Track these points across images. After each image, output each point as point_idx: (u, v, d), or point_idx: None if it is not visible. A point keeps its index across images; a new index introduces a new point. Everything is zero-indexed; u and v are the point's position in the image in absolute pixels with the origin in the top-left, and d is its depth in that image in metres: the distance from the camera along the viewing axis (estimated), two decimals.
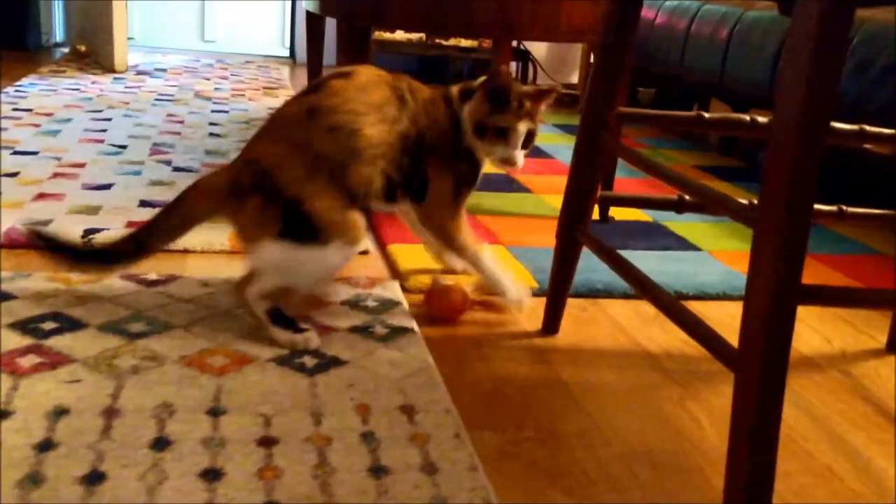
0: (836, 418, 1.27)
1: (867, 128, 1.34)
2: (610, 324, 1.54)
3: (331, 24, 2.59)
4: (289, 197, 1.27)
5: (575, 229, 1.40)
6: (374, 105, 1.34)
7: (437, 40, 4.15)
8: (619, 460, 1.10)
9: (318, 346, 1.31)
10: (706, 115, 1.31)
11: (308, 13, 2.64)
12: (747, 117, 1.30)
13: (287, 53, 5.14)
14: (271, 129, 1.36)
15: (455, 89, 1.48)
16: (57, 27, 4.76)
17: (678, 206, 1.41)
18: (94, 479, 0.93)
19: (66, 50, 4.57)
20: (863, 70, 2.18)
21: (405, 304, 1.50)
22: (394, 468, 1.01)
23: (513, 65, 4.33)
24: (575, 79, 4.76)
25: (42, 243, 1.33)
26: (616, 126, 1.36)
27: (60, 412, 1.06)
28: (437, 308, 1.48)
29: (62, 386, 1.12)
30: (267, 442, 1.04)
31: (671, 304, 1.13)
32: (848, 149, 2.61)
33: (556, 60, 4.80)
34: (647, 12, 3.24)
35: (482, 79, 1.46)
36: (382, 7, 1.78)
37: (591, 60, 4.12)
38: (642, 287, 1.21)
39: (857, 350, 1.52)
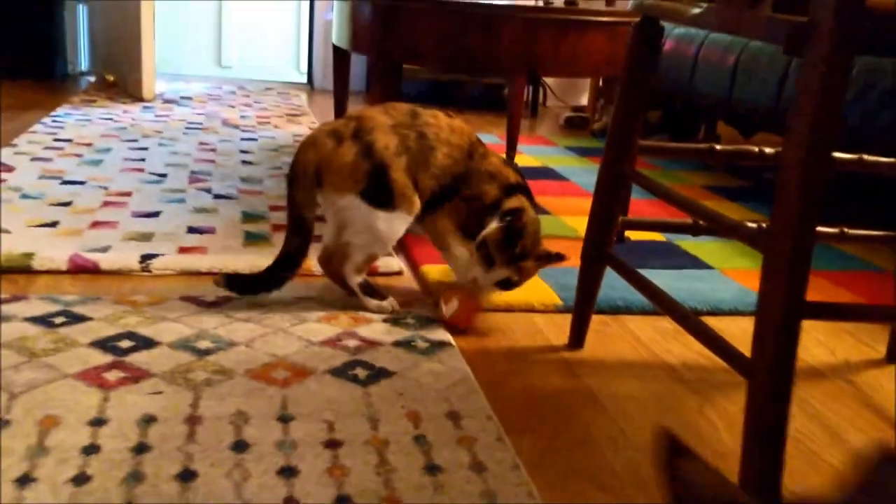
0: (841, 422, 1.39)
1: (866, 157, 1.48)
2: (631, 338, 1.67)
3: (356, 57, 2.73)
4: (379, 161, 1.58)
5: (599, 251, 1.53)
6: (453, 144, 1.66)
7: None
8: (646, 462, 1.23)
9: (399, 310, 1.66)
10: (718, 147, 1.45)
11: (335, 47, 2.78)
12: (756, 148, 1.43)
13: (303, 78, 5.29)
14: (378, 108, 1.65)
15: (513, 176, 1.72)
16: (82, 57, 4.93)
17: (694, 230, 1.54)
18: (187, 476, 1.07)
19: (91, 79, 4.73)
20: (863, 97, 2.31)
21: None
22: (446, 467, 1.14)
23: (526, 89, 4.47)
24: (584, 101, 4.90)
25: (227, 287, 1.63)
26: (635, 155, 1.49)
27: (149, 419, 1.19)
28: (453, 317, 1.61)
29: (147, 397, 1.25)
30: (332, 444, 1.17)
31: (689, 319, 1.26)
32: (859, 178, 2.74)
33: (565, 84, 4.95)
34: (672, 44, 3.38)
35: (513, 205, 1.67)
36: (414, 46, 1.93)
37: (600, 84, 4.25)
38: (662, 303, 1.34)
39: (860, 360, 1.65)
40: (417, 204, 1.63)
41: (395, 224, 1.62)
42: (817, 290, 1.95)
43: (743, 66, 2.81)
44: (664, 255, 2.16)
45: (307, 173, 1.61)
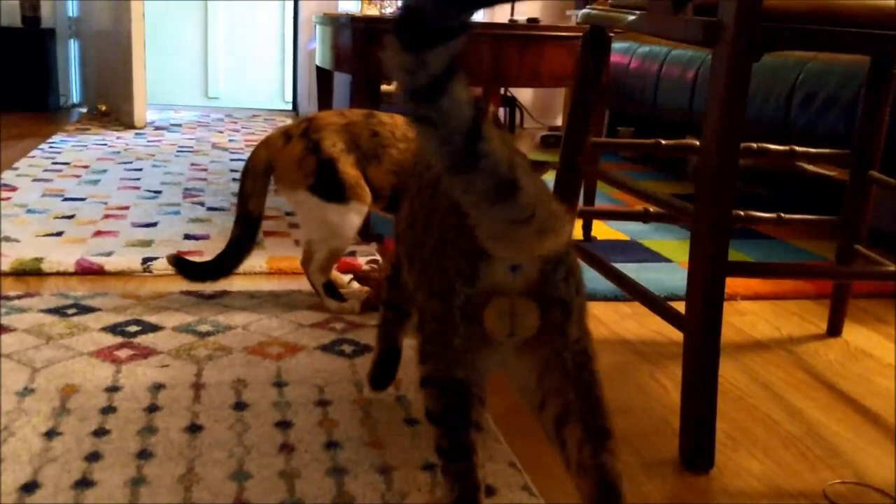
0: (779, 383, 1.55)
1: (797, 148, 1.65)
2: (594, 320, 1.83)
3: (338, 81, 2.90)
4: (327, 157, 1.67)
5: None
6: (411, 140, 1.72)
7: None
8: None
9: (358, 312, 1.73)
10: (663, 141, 1.62)
11: (318, 69, 2.96)
12: (695, 142, 1.60)
13: (288, 106, 5.47)
14: (333, 111, 1.76)
15: None
16: (73, 89, 5.10)
17: (644, 217, 1.71)
18: (194, 429, 1.21)
19: (83, 110, 4.89)
20: (808, 103, 2.50)
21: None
22: (424, 420, 1.29)
23: (501, 111, 4.66)
24: (559, 121, 5.10)
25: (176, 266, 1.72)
26: (592, 155, 1.66)
27: (158, 387, 1.34)
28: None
29: (155, 369, 1.40)
30: (322, 403, 1.32)
31: (641, 292, 1.42)
32: (796, 170, 2.93)
33: (541, 106, 5.15)
34: (622, 58, 3.58)
35: None
36: None
37: None
38: (622, 283, 1.50)
39: (802, 335, 1.81)
40: (369, 196, 1.70)
41: (349, 216, 1.69)
42: (762, 280, 2.12)
43: (702, 80, 3.00)
44: (628, 251, 2.32)
45: (257, 169, 1.71)
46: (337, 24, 2.42)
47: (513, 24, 2.60)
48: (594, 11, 1.55)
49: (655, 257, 2.28)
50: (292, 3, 5.16)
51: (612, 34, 1.64)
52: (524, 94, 5.02)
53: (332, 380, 1.41)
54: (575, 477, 0.91)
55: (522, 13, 5.00)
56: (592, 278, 1.98)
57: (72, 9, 4.93)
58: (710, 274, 1.18)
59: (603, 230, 2.50)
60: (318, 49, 2.84)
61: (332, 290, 1.75)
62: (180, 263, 1.73)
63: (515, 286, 0.87)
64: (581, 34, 2.33)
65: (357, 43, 2.15)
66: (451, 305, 0.88)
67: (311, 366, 1.46)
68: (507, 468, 1.16)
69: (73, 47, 5.02)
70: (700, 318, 1.19)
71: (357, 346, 1.56)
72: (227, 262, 1.73)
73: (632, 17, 1.39)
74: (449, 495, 0.93)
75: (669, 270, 2.15)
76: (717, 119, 1.15)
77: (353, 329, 1.64)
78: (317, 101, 3.20)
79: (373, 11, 3.87)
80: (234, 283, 1.88)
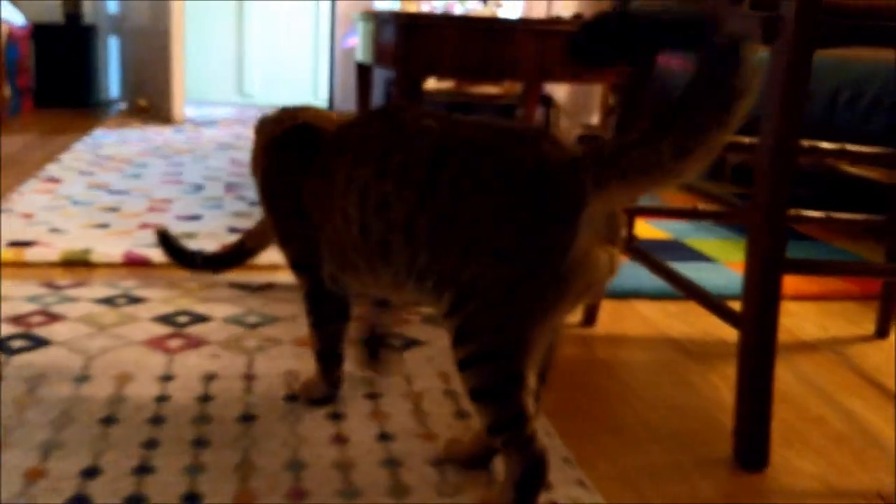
0: (828, 384, 1.53)
1: (848, 146, 1.63)
2: (639, 318, 1.82)
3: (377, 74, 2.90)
4: None
5: None
6: None
7: (465, 88, 4.49)
8: (653, 410, 1.37)
9: None
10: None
11: (359, 65, 2.97)
12: (746, 140, 1.59)
13: (321, 103, 5.50)
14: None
15: None
16: (112, 85, 5.16)
17: (694, 215, 1.70)
18: (247, 419, 1.22)
19: (122, 106, 4.95)
20: (854, 103, 2.47)
21: None
22: (473, 413, 1.29)
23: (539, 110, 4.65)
24: (594, 120, 5.08)
25: (165, 246, 1.51)
26: None
27: (211, 377, 1.35)
28: None
29: (207, 359, 1.41)
30: (373, 396, 1.32)
31: (691, 286, 1.41)
32: (837, 171, 2.89)
33: (576, 104, 5.13)
34: (666, 59, 3.55)
35: None
36: (436, 59, 2.11)
37: (610, 102, 4.43)
38: (672, 279, 1.49)
39: (849, 336, 1.79)
40: None
41: None
42: (811, 280, 2.10)
43: None
44: (671, 250, 2.31)
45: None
46: (379, 19, 2.43)
47: (557, 20, 2.59)
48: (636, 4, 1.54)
49: (699, 256, 2.26)
50: (329, 1, 5.19)
51: None
52: (560, 93, 5.01)
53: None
54: None
55: (564, 11, 4.98)
56: (637, 276, 1.98)
57: (112, 6, 4.98)
58: (767, 272, 1.16)
59: (645, 229, 2.49)
60: (359, 45, 2.85)
61: None
62: (166, 242, 1.45)
63: (604, 229, 0.94)
64: None
65: (400, 39, 2.16)
66: (546, 262, 0.90)
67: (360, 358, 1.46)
68: (561, 464, 1.16)
69: (113, 44, 5.07)
70: (757, 317, 1.18)
71: (404, 339, 1.56)
72: (226, 260, 1.52)
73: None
74: (518, 465, 0.97)
75: (714, 270, 2.14)
76: (775, 117, 1.14)
77: (403, 323, 1.64)
78: (355, 97, 3.21)
79: (413, 8, 3.88)
80: (277, 276, 1.89)
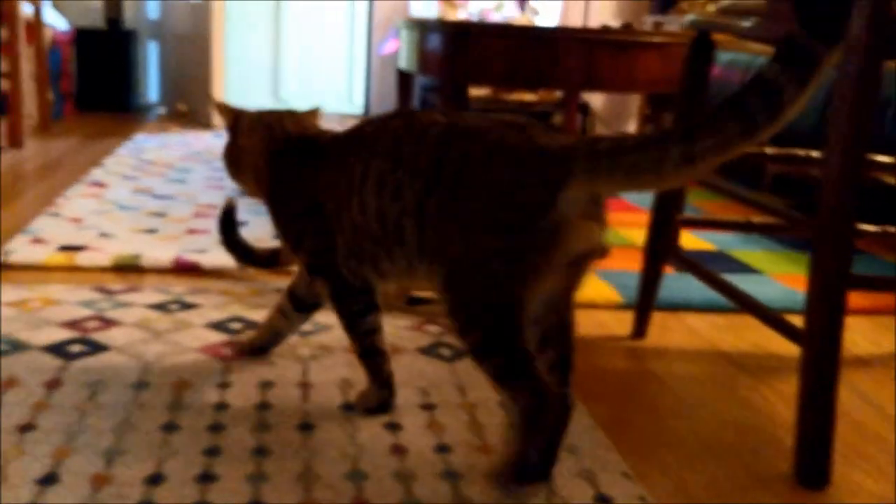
0: (885, 401, 1.51)
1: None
2: (688, 331, 1.81)
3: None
4: None
5: (660, 249, 1.67)
6: None
7: (502, 95, 4.49)
8: (708, 425, 1.36)
9: None
10: (768, 150, 1.59)
11: (400, 71, 2.98)
12: (802, 152, 1.57)
13: (356, 109, 5.52)
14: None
15: None
16: (151, 90, 5.21)
17: (746, 228, 1.68)
18: (306, 427, 1.23)
19: (160, 110, 5.00)
20: None
21: None
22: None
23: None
24: (631, 128, 5.06)
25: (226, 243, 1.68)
26: None
27: (267, 384, 1.36)
28: None
29: (262, 367, 1.42)
30: (428, 406, 1.32)
31: (748, 300, 1.40)
32: (878, 181, 2.85)
33: (613, 111, 5.11)
34: (722, 71, 3.53)
35: None
36: (483, 67, 2.11)
37: (648, 111, 4.40)
38: (724, 290, 1.47)
39: None
40: None
41: None
42: (863, 297, 2.07)
43: None
44: (715, 261, 2.29)
45: None
46: (425, 27, 2.44)
47: (606, 29, 2.59)
48: (702, 18, 1.53)
49: (745, 268, 2.24)
50: (366, 7, 5.21)
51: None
52: (596, 100, 4.99)
53: (434, 383, 1.41)
54: None
55: (599, 18, 4.97)
56: (685, 287, 1.96)
57: (152, 11, 5.04)
58: (832, 288, 1.15)
59: (689, 240, 2.47)
60: (401, 53, 2.86)
61: None
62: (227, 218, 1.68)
63: (586, 208, 1.03)
64: (675, 40, 2.31)
65: (447, 47, 2.16)
66: (527, 233, 1.01)
67: (413, 368, 1.46)
68: (620, 479, 1.15)
69: (153, 49, 5.13)
70: (821, 333, 1.17)
71: (455, 349, 1.56)
72: (262, 262, 1.72)
73: (746, 24, 1.37)
74: (524, 407, 1.06)
75: (761, 282, 2.12)
76: (844, 129, 1.12)
77: (449, 333, 1.64)
78: (391, 103, 3.22)
79: (453, 15, 3.88)
80: None
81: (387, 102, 5.13)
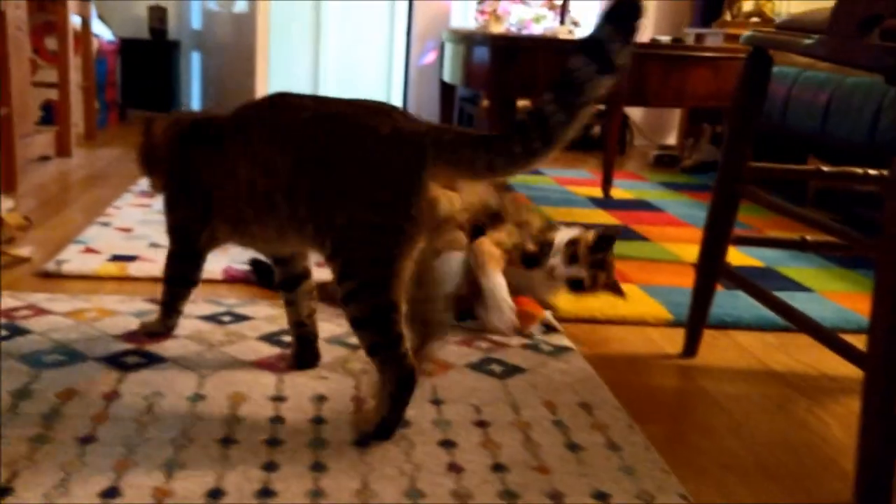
0: None
1: None
2: (739, 349, 1.78)
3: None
4: None
5: (713, 266, 1.66)
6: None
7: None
8: (765, 447, 1.34)
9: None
10: (825, 168, 1.57)
11: (443, 82, 2.99)
12: (860, 170, 1.55)
13: None
14: None
15: None
16: (193, 99, 5.27)
17: (801, 246, 1.66)
18: (363, 443, 1.23)
19: None
20: None
21: (560, 329, 1.78)
22: (585, 446, 1.28)
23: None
24: (671, 140, 5.02)
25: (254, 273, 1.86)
26: (747, 176, 1.62)
27: (321, 398, 1.36)
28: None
29: (315, 381, 1.43)
30: (482, 424, 1.32)
31: (806, 320, 1.38)
32: None
33: (653, 123, 5.08)
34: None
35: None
36: (530, 81, 2.10)
37: (689, 123, 4.36)
38: (783, 312, 1.45)
39: None
40: None
41: None
42: None
43: (836, 102, 2.91)
44: (763, 278, 2.26)
45: None
46: (471, 41, 2.44)
47: (656, 43, 2.57)
48: (760, 34, 1.51)
49: (794, 286, 2.21)
50: (405, 19, 5.23)
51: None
52: (635, 112, 4.97)
53: (486, 400, 1.41)
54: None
55: (640, 34, 4.95)
56: (734, 305, 1.94)
57: (195, 22, 5.11)
58: None
59: (735, 256, 2.44)
60: (445, 63, 2.87)
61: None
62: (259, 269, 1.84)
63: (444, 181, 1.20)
64: (728, 55, 2.29)
65: (496, 62, 2.16)
66: (400, 204, 1.17)
67: (464, 384, 1.46)
68: (678, 501, 1.14)
69: (196, 59, 5.19)
70: (885, 356, 1.15)
71: (505, 366, 1.55)
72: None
73: (808, 41, 1.35)
74: (393, 378, 1.22)
75: (812, 301, 2.09)
76: None
77: (498, 349, 1.64)
78: (431, 114, 3.23)
79: (497, 28, 3.89)
80: None
81: (424, 112, 5.15)
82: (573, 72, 1.09)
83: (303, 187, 1.23)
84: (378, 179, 1.18)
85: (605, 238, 1.82)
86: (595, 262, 1.80)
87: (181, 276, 1.54)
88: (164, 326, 1.58)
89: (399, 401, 1.24)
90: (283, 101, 1.30)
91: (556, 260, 1.81)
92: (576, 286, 1.81)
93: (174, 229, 1.51)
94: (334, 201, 1.20)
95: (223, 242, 1.45)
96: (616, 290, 1.85)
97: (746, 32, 1.54)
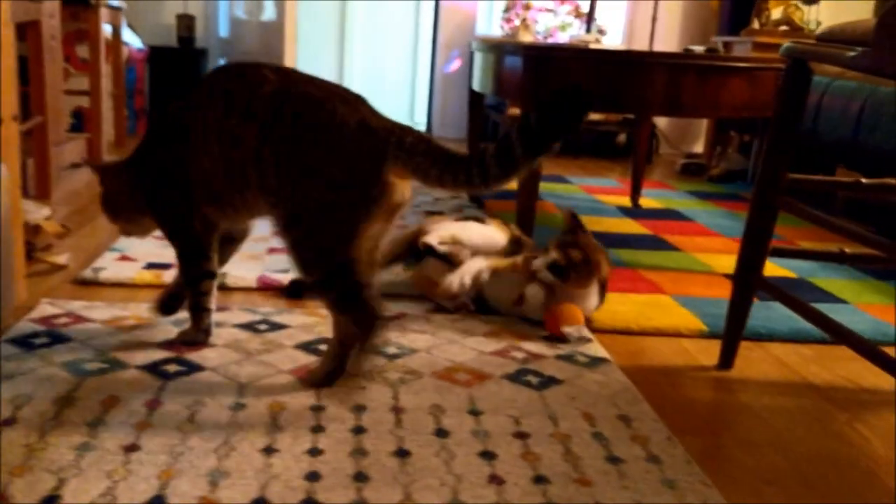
0: None
1: None
2: (776, 361, 1.77)
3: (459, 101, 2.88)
4: None
5: (750, 278, 1.65)
6: None
7: None
8: (806, 461, 1.33)
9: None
10: (863, 180, 1.56)
11: (472, 92, 2.99)
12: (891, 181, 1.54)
13: (420, 127, 5.55)
14: None
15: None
16: None
17: (839, 258, 1.64)
18: (402, 453, 1.23)
19: None
20: None
21: (595, 340, 1.77)
22: (625, 458, 1.27)
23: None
24: (698, 148, 5.00)
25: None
26: (785, 187, 1.61)
27: (360, 408, 1.37)
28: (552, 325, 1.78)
29: (354, 390, 1.43)
30: (521, 435, 1.32)
31: (845, 332, 1.37)
32: None
33: (679, 132, 5.06)
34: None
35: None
36: None
37: (716, 131, 4.35)
38: (821, 323, 1.44)
39: None
40: None
41: None
42: None
43: (869, 111, 2.89)
44: (797, 290, 2.24)
45: None
46: (502, 50, 2.44)
47: (689, 52, 2.57)
48: (800, 45, 1.51)
49: (829, 298, 2.20)
50: (431, 27, 5.25)
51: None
52: (661, 120, 4.95)
53: (525, 411, 1.41)
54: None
55: (666, 42, 4.93)
56: (769, 317, 1.93)
57: (223, 30, 5.15)
58: None
59: (768, 267, 2.42)
60: (475, 73, 2.87)
61: None
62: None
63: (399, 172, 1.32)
64: (764, 65, 2.28)
65: (528, 72, 2.16)
66: (361, 190, 1.30)
67: (501, 395, 1.46)
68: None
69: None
70: None
71: (542, 377, 1.55)
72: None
73: (851, 54, 1.35)
74: (362, 323, 1.35)
75: (848, 313, 2.07)
76: None
77: (534, 360, 1.64)
78: (456, 121, 3.23)
79: (527, 37, 3.89)
80: (409, 306, 1.91)
81: (448, 120, 5.15)
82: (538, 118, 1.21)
83: (267, 158, 1.33)
84: (343, 165, 1.30)
85: (570, 218, 1.87)
86: (564, 243, 1.82)
87: (197, 270, 1.57)
88: (200, 333, 1.59)
89: (366, 337, 1.37)
90: (240, 69, 1.41)
91: (537, 261, 1.82)
92: (556, 270, 1.80)
93: (172, 234, 1.57)
94: (298, 179, 1.32)
95: (216, 223, 1.53)
96: (587, 265, 1.81)
97: (786, 43, 1.54)
